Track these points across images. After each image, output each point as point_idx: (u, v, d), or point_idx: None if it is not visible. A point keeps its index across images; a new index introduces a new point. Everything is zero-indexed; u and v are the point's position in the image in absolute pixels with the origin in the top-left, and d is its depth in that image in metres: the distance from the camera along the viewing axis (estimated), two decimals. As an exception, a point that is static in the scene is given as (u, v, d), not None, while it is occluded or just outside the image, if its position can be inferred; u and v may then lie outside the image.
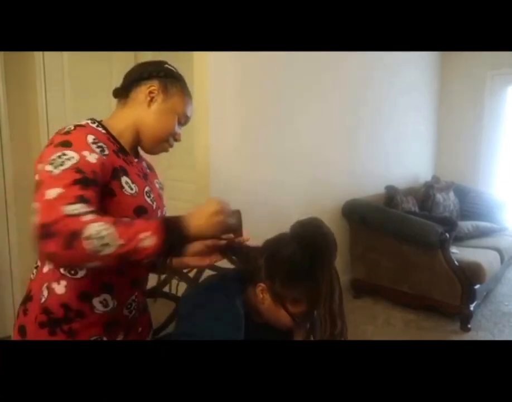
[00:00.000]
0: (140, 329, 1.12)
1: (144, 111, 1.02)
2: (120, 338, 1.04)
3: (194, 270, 1.37)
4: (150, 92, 1.01)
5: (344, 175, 3.29)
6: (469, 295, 2.66)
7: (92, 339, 0.96)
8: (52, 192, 0.76)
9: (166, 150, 1.10)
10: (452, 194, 4.00)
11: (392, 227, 2.89)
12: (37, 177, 0.82)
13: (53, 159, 0.82)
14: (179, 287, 1.30)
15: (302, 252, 0.98)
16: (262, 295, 1.03)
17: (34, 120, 2.48)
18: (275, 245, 1.04)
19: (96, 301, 0.95)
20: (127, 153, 1.02)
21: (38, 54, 2.41)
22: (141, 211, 0.96)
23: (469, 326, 2.66)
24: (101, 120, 1.02)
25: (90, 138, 0.89)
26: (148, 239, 0.77)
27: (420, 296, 2.85)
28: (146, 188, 1.03)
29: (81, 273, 0.93)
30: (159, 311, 1.25)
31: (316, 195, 2.99)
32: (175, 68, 1.08)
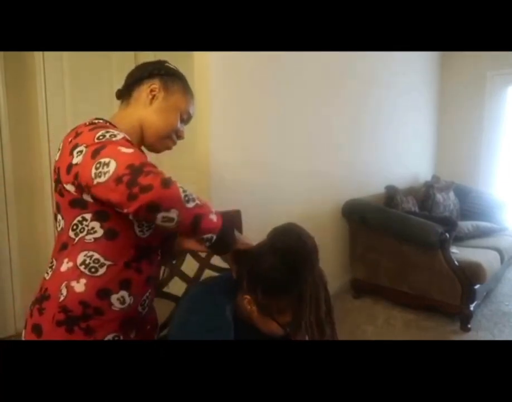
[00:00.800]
0: (148, 326, 1.14)
1: (146, 110, 1.03)
2: (132, 335, 1.05)
3: (194, 270, 1.37)
4: (152, 90, 1.03)
5: (344, 175, 3.29)
6: (469, 295, 2.66)
7: (110, 337, 0.97)
8: (127, 150, 0.84)
9: (169, 147, 1.11)
10: (452, 194, 4.00)
11: (392, 227, 2.89)
12: (87, 152, 0.84)
13: (102, 135, 0.86)
14: (179, 287, 1.30)
15: (281, 264, 0.95)
16: (250, 307, 1.02)
17: (34, 120, 2.48)
18: (255, 258, 1.01)
19: (114, 298, 0.95)
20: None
21: (38, 54, 2.41)
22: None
23: (469, 326, 2.66)
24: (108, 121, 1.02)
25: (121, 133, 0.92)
26: (214, 215, 0.91)
27: (420, 296, 2.85)
28: None
29: (101, 271, 0.93)
30: (159, 311, 1.25)
31: (316, 195, 2.99)
32: (176, 67, 1.10)
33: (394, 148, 3.97)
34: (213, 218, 0.91)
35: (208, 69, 2.10)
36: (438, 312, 2.78)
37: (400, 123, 4.00)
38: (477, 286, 2.69)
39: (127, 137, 0.91)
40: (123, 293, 0.96)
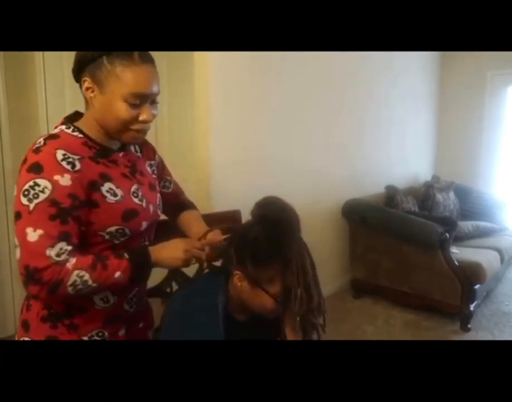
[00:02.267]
0: (141, 324, 1.14)
1: (94, 110, 0.94)
2: (121, 332, 1.05)
3: (194, 271, 1.37)
4: (86, 89, 0.92)
5: (345, 175, 3.29)
6: (469, 295, 2.65)
7: (93, 333, 0.98)
8: (33, 235, 0.83)
9: (140, 137, 0.99)
10: (452, 194, 4.00)
11: (392, 227, 2.88)
12: (15, 205, 0.86)
13: (27, 190, 0.84)
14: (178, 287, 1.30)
15: (265, 232, 0.98)
16: (240, 283, 1.03)
17: (34, 120, 2.48)
18: (240, 231, 1.05)
19: (96, 298, 0.97)
20: (110, 152, 0.98)
21: (38, 54, 2.41)
22: (130, 215, 0.96)
23: (469, 326, 2.66)
24: (78, 120, 0.98)
25: (60, 155, 0.86)
26: (119, 276, 0.90)
27: (420, 296, 2.85)
28: (133, 188, 1.00)
29: None
30: (159, 311, 1.25)
31: (316, 195, 2.99)
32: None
33: (394, 148, 3.97)
34: (120, 279, 0.90)
35: (208, 69, 2.10)
36: (438, 312, 2.78)
37: (400, 123, 4.00)
38: (477, 286, 2.69)
39: (59, 179, 0.84)
40: (106, 293, 0.97)
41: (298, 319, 1.01)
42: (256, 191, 2.44)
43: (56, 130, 0.93)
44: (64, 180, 0.85)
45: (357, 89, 3.34)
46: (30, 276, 0.82)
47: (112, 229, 0.93)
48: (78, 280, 0.84)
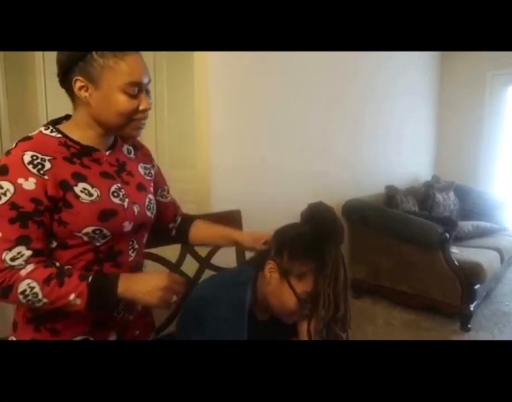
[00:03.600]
0: (137, 332, 1.09)
1: (92, 109, 0.91)
2: (112, 339, 1.01)
3: (194, 269, 1.37)
4: (80, 89, 0.89)
5: (344, 175, 3.29)
6: (469, 295, 2.66)
7: (78, 338, 0.95)
8: None
9: (141, 127, 0.99)
10: (452, 194, 4.00)
11: (392, 227, 2.88)
12: None
13: None
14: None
15: (311, 229, 1.02)
16: (270, 274, 1.05)
17: (34, 120, 2.48)
18: (286, 226, 1.10)
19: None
20: (91, 151, 0.95)
21: (38, 54, 2.41)
22: (108, 215, 0.92)
23: (469, 326, 2.66)
24: (64, 120, 0.97)
25: (27, 157, 0.85)
26: (75, 299, 0.84)
27: (420, 296, 2.85)
28: (114, 188, 0.96)
29: None
30: (159, 311, 1.25)
31: (316, 195, 2.97)
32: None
33: (394, 148, 3.96)
34: (75, 301, 0.84)
35: (208, 69, 2.10)
36: (438, 312, 2.78)
37: (400, 123, 4.00)
38: (477, 286, 2.69)
39: (23, 183, 0.83)
40: None
41: (321, 326, 1.00)
42: (256, 191, 2.46)
43: (33, 133, 0.92)
44: (28, 184, 0.84)
45: (357, 89, 3.34)
46: None
47: (89, 229, 0.90)
48: (28, 290, 0.82)
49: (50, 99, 2.47)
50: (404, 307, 2.94)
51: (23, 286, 0.82)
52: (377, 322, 2.78)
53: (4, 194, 0.82)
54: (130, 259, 1.02)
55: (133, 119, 0.93)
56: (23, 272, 0.82)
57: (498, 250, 3.15)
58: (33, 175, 0.84)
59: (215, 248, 1.41)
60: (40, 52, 2.40)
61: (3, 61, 2.35)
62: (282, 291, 1.02)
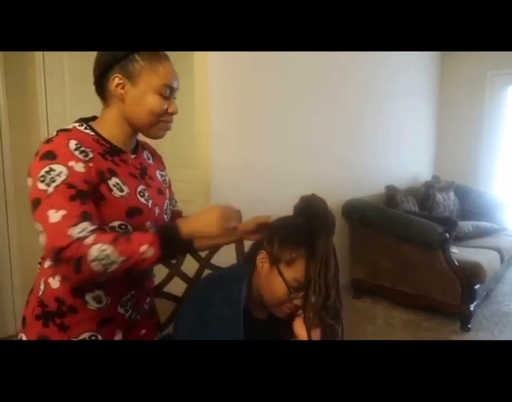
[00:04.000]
0: (143, 331, 1.11)
1: (123, 106, 0.97)
2: (118, 337, 1.03)
3: (194, 269, 1.37)
4: (117, 85, 0.95)
5: (344, 175, 3.29)
6: (469, 295, 2.66)
7: (85, 335, 0.97)
8: (56, 216, 0.81)
9: (167, 128, 1.04)
10: (452, 194, 4.00)
11: (392, 227, 2.88)
12: (32, 194, 0.85)
13: (43, 176, 0.83)
14: (179, 287, 1.30)
15: (303, 218, 1.06)
16: (261, 265, 1.06)
17: (34, 120, 2.48)
18: (278, 218, 1.13)
19: (89, 297, 0.96)
20: (120, 152, 1.00)
21: (38, 54, 2.41)
22: (134, 212, 0.96)
23: (469, 326, 2.66)
24: (92, 121, 1.00)
25: (72, 145, 0.88)
26: (147, 251, 0.85)
27: (420, 296, 2.85)
28: (140, 188, 1.01)
29: None
30: (160, 311, 1.25)
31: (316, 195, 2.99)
32: None
33: (394, 148, 3.97)
34: (148, 253, 0.85)
35: (208, 69, 2.10)
36: (438, 312, 2.78)
37: (400, 123, 4.00)
38: (477, 286, 2.69)
39: (74, 165, 0.86)
40: (98, 292, 0.97)
41: (311, 314, 1.00)
42: (256, 191, 2.45)
43: (69, 126, 0.95)
44: (78, 167, 0.87)
45: (357, 89, 3.34)
46: (57, 257, 0.80)
47: (115, 224, 0.93)
48: (101, 254, 0.80)
49: (50, 99, 2.47)
50: (404, 307, 2.94)
51: (93, 252, 0.80)
52: (377, 322, 2.78)
53: (58, 175, 0.84)
54: None
55: (161, 120, 0.99)
56: (88, 241, 0.81)
57: (498, 250, 3.15)
58: (80, 160, 0.88)
59: (215, 248, 1.41)
60: (41, 52, 2.40)
61: (3, 61, 2.34)
62: (273, 279, 1.03)
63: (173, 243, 0.90)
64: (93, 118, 1.03)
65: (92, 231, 0.83)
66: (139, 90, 0.95)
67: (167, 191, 1.17)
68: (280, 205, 2.66)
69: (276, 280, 1.03)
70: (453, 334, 2.62)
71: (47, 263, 0.98)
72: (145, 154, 1.13)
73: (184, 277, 1.33)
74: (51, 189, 0.83)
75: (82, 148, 0.90)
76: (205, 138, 2.18)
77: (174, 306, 1.32)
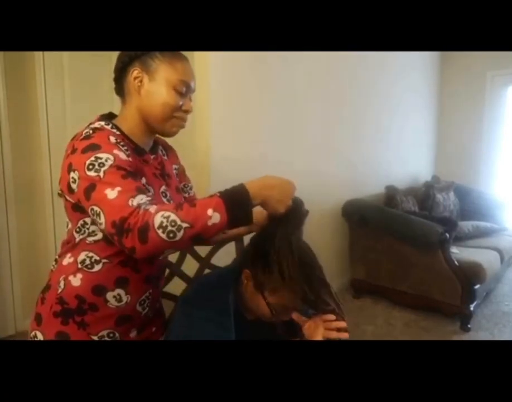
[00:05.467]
0: (154, 328, 1.14)
1: (139, 99, 0.98)
2: (133, 334, 1.05)
3: (194, 270, 1.37)
4: (135, 78, 0.96)
5: (345, 175, 3.29)
6: (469, 295, 2.66)
7: (104, 332, 0.98)
8: (113, 193, 0.80)
9: (181, 126, 1.03)
10: (452, 194, 4.00)
11: (392, 227, 2.89)
12: (82, 184, 0.83)
13: (91, 164, 0.83)
14: (178, 287, 1.30)
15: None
16: (246, 282, 1.04)
17: (34, 120, 2.49)
18: (261, 235, 1.05)
19: (110, 296, 0.97)
20: (143, 152, 1.02)
21: (38, 54, 2.41)
22: None
23: (469, 326, 2.66)
24: (112, 120, 1.00)
25: (113, 139, 0.90)
26: (214, 214, 0.79)
27: (420, 296, 2.85)
28: (162, 188, 1.03)
29: (97, 267, 0.95)
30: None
31: (316, 195, 2.99)
32: None
33: (394, 148, 3.97)
34: (214, 219, 0.79)
35: (208, 69, 2.10)
36: (438, 312, 2.79)
37: (400, 123, 4.00)
38: (477, 286, 2.69)
39: (118, 153, 0.86)
40: (119, 291, 0.97)
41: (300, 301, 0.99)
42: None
43: (96, 125, 0.94)
44: (123, 155, 0.87)
45: (357, 88, 3.34)
46: (119, 229, 0.77)
47: None
48: (165, 220, 0.76)
49: (50, 98, 2.47)
50: (403, 307, 2.95)
51: (158, 219, 0.76)
52: (377, 322, 2.78)
53: (106, 161, 0.84)
54: (162, 257, 1.07)
55: (174, 116, 0.99)
56: (152, 209, 0.78)
57: (498, 250, 3.15)
58: (122, 150, 0.89)
59: (215, 248, 1.41)
60: (40, 52, 2.40)
61: (3, 61, 2.34)
62: (258, 301, 1.02)
63: (241, 205, 0.84)
64: (110, 115, 1.03)
65: (151, 202, 0.81)
66: (155, 84, 0.96)
67: (180, 184, 1.18)
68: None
69: (261, 303, 1.01)
70: (453, 334, 2.63)
71: (65, 260, 0.97)
72: (160, 150, 1.13)
73: (184, 276, 1.33)
74: (101, 173, 0.82)
75: (121, 143, 0.91)
76: (205, 137, 2.18)
77: (174, 306, 1.32)
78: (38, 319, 0.98)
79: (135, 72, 0.96)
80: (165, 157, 1.14)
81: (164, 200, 1.01)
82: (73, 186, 0.86)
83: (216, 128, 2.18)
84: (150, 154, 1.04)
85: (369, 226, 3.01)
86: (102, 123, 0.95)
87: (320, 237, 3.07)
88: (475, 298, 2.70)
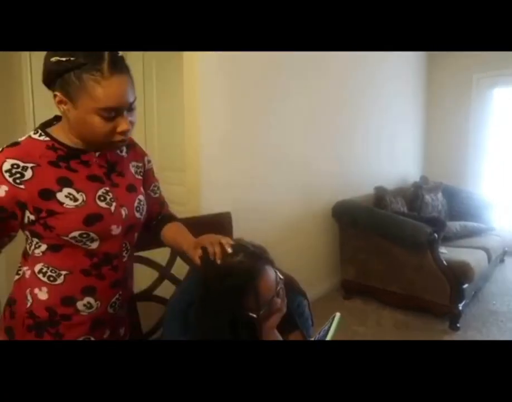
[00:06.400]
0: (122, 330, 1.12)
1: (70, 123, 0.91)
2: (106, 335, 1.05)
3: (185, 272, 1.36)
4: (58, 103, 0.88)
5: (334, 176, 3.30)
6: (458, 294, 2.68)
7: (80, 339, 0.97)
8: None
9: (119, 146, 0.99)
10: (440, 195, 4.05)
11: (382, 228, 2.90)
12: None
13: None
14: (169, 290, 1.29)
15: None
16: None
17: (20, 121, 2.45)
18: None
19: (80, 305, 0.96)
20: (79, 154, 0.94)
21: (24, 55, 2.38)
22: (93, 219, 0.92)
23: (458, 325, 2.69)
24: (53, 123, 0.97)
25: (7, 165, 0.85)
26: None
27: (410, 296, 2.87)
28: (101, 191, 0.95)
29: (59, 280, 0.94)
30: (150, 315, 1.24)
31: (306, 197, 3.00)
32: (70, 54, 0.84)
33: (383, 150, 4.00)
34: None
35: (197, 70, 2.09)
36: (428, 312, 2.81)
37: (389, 125, 4.04)
38: (465, 285, 2.73)
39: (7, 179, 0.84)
40: (88, 299, 0.97)
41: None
42: (247, 193, 2.45)
43: (23, 138, 0.92)
44: (1, 191, 0.84)
45: (347, 90, 3.36)
46: None
47: (76, 233, 0.90)
48: None
49: (37, 102, 2.44)
50: (393, 307, 2.96)
51: None
52: (367, 323, 2.80)
53: None
54: (124, 260, 1.04)
55: (106, 141, 0.91)
56: None
57: (486, 249, 3.19)
58: (6, 182, 0.85)
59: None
60: (27, 52, 2.37)
61: (-12, 61, 2.31)
62: None
63: None
64: (57, 118, 0.99)
65: None
66: (78, 111, 0.87)
67: (141, 184, 1.10)
68: (271, 207, 2.67)
69: None
70: (443, 333, 2.65)
71: (27, 273, 0.95)
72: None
73: (174, 280, 1.32)
74: None
75: (19, 169, 0.86)
76: (195, 140, 2.17)
77: (164, 310, 1.31)
78: (10, 333, 0.96)
79: (56, 97, 0.87)
80: (123, 154, 1.06)
81: (103, 204, 0.94)
82: None
83: (205, 130, 2.17)
84: (94, 153, 0.97)
85: (359, 227, 3.02)
86: (32, 132, 0.94)
87: (311, 237, 3.08)
88: (464, 297, 2.73)
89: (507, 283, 3.53)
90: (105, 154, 1.00)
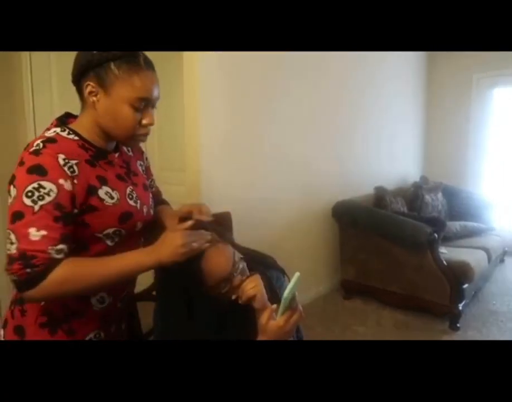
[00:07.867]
0: (123, 325, 1.15)
1: (96, 113, 0.93)
2: (112, 329, 1.07)
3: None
4: (90, 92, 0.90)
5: (334, 176, 3.30)
6: (458, 294, 2.68)
7: (91, 335, 1.00)
8: (36, 234, 0.80)
9: (142, 140, 1.00)
10: (440, 195, 4.05)
11: (382, 228, 2.90)
12: (14, 205, 0.82)
13: (30, 192, 0.81)
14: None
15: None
16: None
17: (21, 119, 2.45)
18: None
19: (93, 300, 0.98)
20: (106, 153, 0.98)
21: (24, 54, 2.38)
22: (126, 217, 0.97)
23: (458, 325, 2.69)
24: (70, 122, 0.97)
25: (61, 159, 0.85)
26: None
27: (410, 296, 2.87)
28: (128, 190, 1.00)
29: None
30: (150, 315, 1.24)
31: (306, 197, 3.00)
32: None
33: (384, 150, 4.00)
34: None
35: (197, 70, 2.09)
36: (428, 312, 2.81)
37: (389, 125, 4.04)
38: (465, 285, 2.73)
39: (64, 184, 0.84)
40: (102, 294, 0.99)
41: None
42: (247, 195, 2.45)
43: (51, 133, 0.91)
44: (68, 185, 0.85)
45: (349, 90, 3.36)
46: (24, 261, 0.79)
47: (110, 231, 0.94)
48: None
49: (37, 98, 2.44)
50: (393, 307, 2.96)
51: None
52: (367, 323, 2.79)
53: (48, 194, 0.82)
54: None
55: (134, 131, 0.94)
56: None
57: (486, 249, 3.19)
58: (69, 177, 0.85)
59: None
60: (27, 52, 2.37)
61: (-12, 62, 2.31)
62: None
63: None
64: (67, 116, 1.00)
65: (67, 254, 0.84)
66: (111, 100, 0.90)
67: (147, 181, 1.15)
68: (271, 207, 2.67)
69: None
70: (443, 333, 2.65)
71: None
72: (125, 148, 1.09)
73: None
74: (37, 207, 0.81)
75: (71, 163, 0.87)
76: (195, 140, 2.17)
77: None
78: (20, 332, 0.95)
79: (89, 86, 0.90)
80: (130, 153, 1.11)
81: (131, 202, 0.99)
82: (9, 199, 0.84)
83: (205, 131, 2.17)
84: (114, 153, 1.01)
85: (359, 227, 3.02)
86: (58, 129, 0.92)
87: (311, 237, 3.08)
88: (464, 297, 2.72)
89: (507, 283, 3.53)
90: (122, 155, 1.04)
